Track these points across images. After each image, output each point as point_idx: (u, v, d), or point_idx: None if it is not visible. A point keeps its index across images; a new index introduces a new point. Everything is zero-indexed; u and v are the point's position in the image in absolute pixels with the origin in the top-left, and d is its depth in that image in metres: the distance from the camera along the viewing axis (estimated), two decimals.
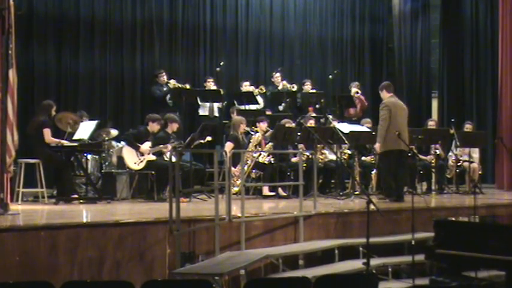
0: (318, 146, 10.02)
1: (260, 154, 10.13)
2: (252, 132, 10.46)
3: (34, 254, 5.98)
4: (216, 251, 6.79)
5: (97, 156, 10.28)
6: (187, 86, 11.83)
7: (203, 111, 12.05)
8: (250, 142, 10.30)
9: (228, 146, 9.98)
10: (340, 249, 7.55)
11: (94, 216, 7.49)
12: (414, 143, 10.41)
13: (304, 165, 9.40)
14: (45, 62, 11.38)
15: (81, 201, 8.96)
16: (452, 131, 11.09)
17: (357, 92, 12.35)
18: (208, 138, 10.28)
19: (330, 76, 13.19)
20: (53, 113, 9.47)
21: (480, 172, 11.63)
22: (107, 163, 10.37)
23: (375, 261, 7.22)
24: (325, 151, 10.59)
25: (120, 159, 9.93)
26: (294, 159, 10.35)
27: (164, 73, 11.82)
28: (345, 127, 10.27)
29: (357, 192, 9.98)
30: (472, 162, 11.48)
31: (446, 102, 14.56)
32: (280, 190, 10.06)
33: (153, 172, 9.51)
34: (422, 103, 15.10)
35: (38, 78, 11.31)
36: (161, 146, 9.58)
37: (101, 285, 5.27)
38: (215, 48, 13.11)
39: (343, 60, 14.71)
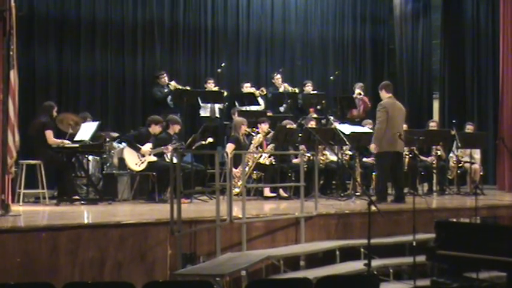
0: (319, 147, 10.02)
1: (261, 155, 10.13)
2: (253, 134, 10.46)
3: (35, 255, 5.98)
4: (217, 252, 6.79)
5: (98, 158, 10.29)
6: (188, 88, 11.83)
7: (204, 112, 12.04)
8: (251, 143, 10.30)
9: (229, 147, 9.98)
10: (341, 250, 7.54)
11: (95, 217, 7.49)
12: (415, 144, 10.42)
13: (305, 166, 9.40)
14: (46, 63, 11.39)
15: (82, 202, 8.97)
16: (453, 132, 11.09)
17: (360, 94, 12.34)
18: (210, 139, 10.30)
19: (331, 77, 13.19)
20: (54, 114, 9.48)
21: (481, 173, 11.62)
22: (108, 164, 10.38)
23: (376, 262, 7.22)
24: (326, 152, 10.59)
25: (121, 160, 9.93)
26: (295, 160, 10.36)
27: (165, 74, 11.81)
28: (346, 128, 10.28)
29: (358, 193, 10.00)
30: (473, 163, 11.49)
31: (447, 103, 14.56)
32: (281, 191, 10.07)
33: (154, 173, 9.51)
34: (424, 104, 15.10)
35: (39, 79, 11.32)
36: (162, 147, 9.58)
37: (102, 286, 5.27)
38: (216, 50, 13.11)
39: (344, 61, 14.71)
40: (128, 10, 12.21)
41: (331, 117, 11.27)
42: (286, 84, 12.46)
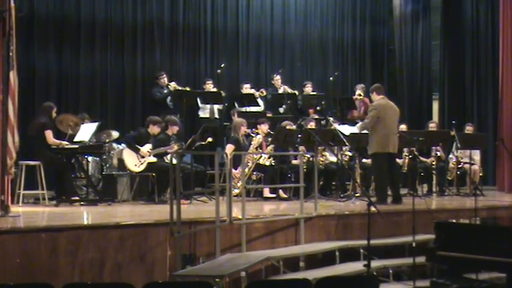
0: (319, 148, 10.01)
1: (261, 156, 10.13)
2: (253, 134, 10.45)
3: (35, 256, 5.98)
4: (217, 253, 6.79)
5: (98, 158, 10.29)
6: (188, 89, 11.83)
7: (203, 113, 12.05)
8: (251, 144, 10.30)
9: (229, 148, 9.98)
10: (341, 251, 7.54)
11: (95, 218, 7.49)
12: (415, 145, 10.43)
13: (305, 167, 9.40)
14: (46, 63, 11.40)
15: (82, 203, 8.96)
16: (453, 133, 11.09)
17: (360, 95, 12.32)
18: (209, 139, 10.28)
19: (331, 78, 13.18)
20: (54, 114, 9.48)
21: (481, 174, 11.62)
22: (107, 165, 10.38)
23: (375, 263, 7.22)
24: (326, 153, 10.59)
25: (121, 161, 9.92)
26: (294, 161, 10.35)
27: (165, 75, 11.81)
28: (346, 129, 10.28)
29: (357, 194, 9.99)
30: (472, 164, 11.49)
31: (447, 104, 14.56)
32: (281, 192, 10.07)
33: (153, 174, 9.50)
34: (423, 105, 15.11)
35: (38, 80, 11.32)
36: (166, 147, 9.57)
37: (101, 287, 5.28)
38: (216, 50, 13.12)
39: (343, 62, 14.71)
40: (128, 11, 12.22)
41: (331, 118, 11.27)
42: (285, 86, 12.46)
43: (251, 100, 11.93)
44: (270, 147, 10.19)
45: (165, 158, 9.66)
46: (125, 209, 8.84)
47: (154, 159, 9.52)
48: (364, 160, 10.77)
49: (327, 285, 4.82)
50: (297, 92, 12.51)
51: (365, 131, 10.20)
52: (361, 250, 7.55)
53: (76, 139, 9.33)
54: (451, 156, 11.71)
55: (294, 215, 7.79)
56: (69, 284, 4.65)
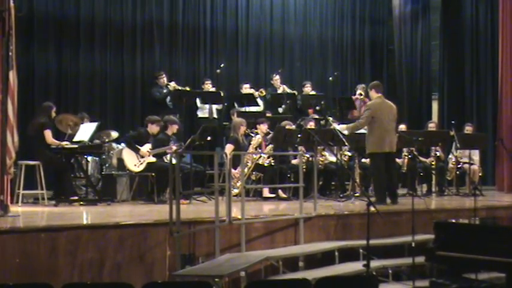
0: (318, 148, 10.01)
1: (260, 156, 10.13)
2: (252, 134, 10.45)
3: (34, 256, 5.98)
4: (216, 253, 6.78)
5: (97, 158, 10.29)
6: (188, 89, 11.84)
7: (202, 113, 12.05)
8: (250, 144, 10.30)
9: (228, 148, 9.97)
10: (340, 251, 7.54)
11: (94, 218, 7.49)
12: (414, 145, 10.43)
13: (305, 167, 9.40)
14: (45, 63, 11.39)
15: (81, 203, 8.95)
16: (452, 133, 11.09)
17: (361, 94, 12.32)
18: (208, 138, 10.27)
19: (330, 78, 13.19)
20: (53, 114, 9.48)
21: (480, 174, 11.62)
22: (107, 165, 10.38)
23: (375, 263, 7.22)
24: (325, 153, 10.59)
25: (120, 161, 9.93)
26: (294, 161, 10.35)
27: (164, 75, 11.81)
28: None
29: (357, 194, 9.99)
30: (472, 164, 11.48)
31: (446, 104, 14.57)
32: (280, 192, 10.07)
33: (153, 174, 9.50)
34: (423, 105, 15.11)
35: (38, 80, 11.32)
36: (166, 147, 9.57)
37: (101, 287, 5.28)
38: (215, 50, 13.12)
39: (343, 62, 14.71)
40: (127, 10, 12.22)
41: (331, 118, 11.27)
42: (285, 86, 12.46)
43: (250, 100, 11.92)
44: (270, 147, 10.19)
45: (164, 158, 9.67)
46: (125, 209, 8.84)
47: (153, 159, 9.52)
48: (363, 160, 10.76)
49: (327, 285, 4.82)
50: (296, 92, 12.51)
51: (362, 131, 10.22)
52: (361, 250, 7.55)
53: (75, 139, 9.33)
54: (450, 156, 11.71)
55: (294, 215, 7.79)
56: (68, 284, 4.65)
